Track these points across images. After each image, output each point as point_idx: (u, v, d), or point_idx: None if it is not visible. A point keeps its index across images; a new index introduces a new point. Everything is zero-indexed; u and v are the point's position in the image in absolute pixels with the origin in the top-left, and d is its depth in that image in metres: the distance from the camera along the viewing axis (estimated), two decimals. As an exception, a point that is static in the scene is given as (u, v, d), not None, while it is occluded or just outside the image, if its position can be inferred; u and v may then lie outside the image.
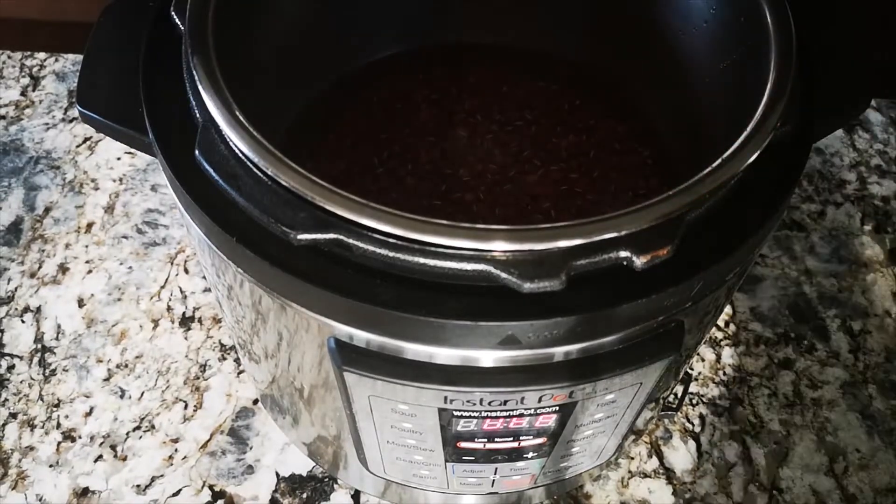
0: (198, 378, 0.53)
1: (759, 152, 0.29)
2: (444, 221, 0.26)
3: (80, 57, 0.65)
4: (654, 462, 0.51)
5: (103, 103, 0.33)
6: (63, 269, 0.58)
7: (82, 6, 0.64)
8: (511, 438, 0.35)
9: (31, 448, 0.50)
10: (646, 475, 0.50)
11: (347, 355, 0.30)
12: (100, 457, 0.50)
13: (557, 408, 0.33)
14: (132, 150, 0.60)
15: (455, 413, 0.32)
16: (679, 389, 0.53)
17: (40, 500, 0.48)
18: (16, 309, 0.56)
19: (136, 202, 0.61)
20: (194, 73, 0.30)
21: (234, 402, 0.52)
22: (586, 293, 0.27)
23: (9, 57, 0.69)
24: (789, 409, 0.53)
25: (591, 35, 0.47)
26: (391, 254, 0.26)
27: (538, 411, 0.33)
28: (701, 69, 0.39)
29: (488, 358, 0.29)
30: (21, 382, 0.53)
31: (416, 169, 0.43)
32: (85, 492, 0.49)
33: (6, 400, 0.52)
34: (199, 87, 0.29)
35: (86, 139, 0.64)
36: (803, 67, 0.32)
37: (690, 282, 0.28)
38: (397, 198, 0.42)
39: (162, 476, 0.49)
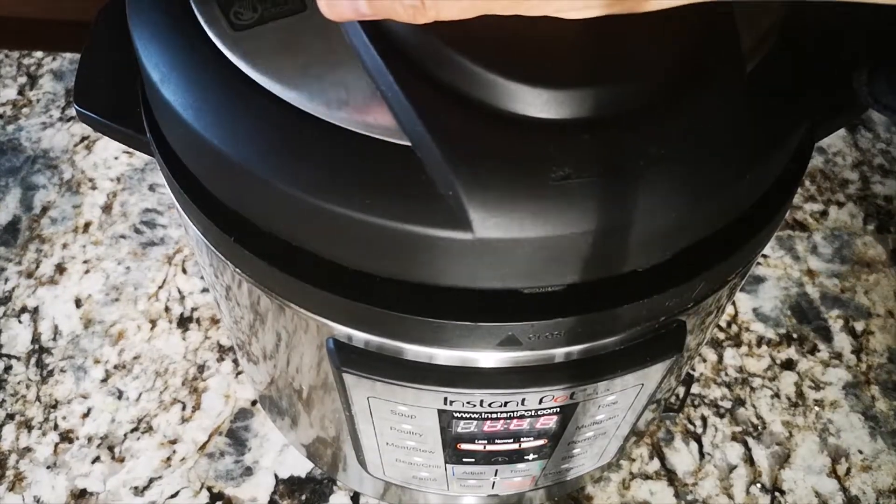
0: (196, 379, 0.53)
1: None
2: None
3: (77, 56, 0.65)
4: (656, 463, 0.50)
5: (101, 102, 0.32)
6: (60, 269, 0.57)
7: (80, 5, 0.64)
8: (511, 440, 0.35)
9: (29, 449, 0.50)
10: (647, 477, 0.50)
11: (346, 356, 0.30)
12: (97, 458, 0.50)
13: (558, 409, 0.32)
14: (130, 150, 0.60)
15: (455, 414, 0.32)
16: (681, 390, 0.53)
17: (38, 501, 0.48)
18: (13, 309, 0.55)
19: (134, 202, 0.61)
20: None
21: (233, 403, 0.52)
22: (587, 293, 0.27)
23: (6, 56, 0.69)
24: (791, 411, 0.53)
25: None
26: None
27: (539, 413, 0.32)
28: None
29: (488, 359, 0.29)
30: (18, 383, 0.52)
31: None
32: (82, 493, 0.48)
33: (3, 401, 0.52)
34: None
35: (83, 138, 0.64)
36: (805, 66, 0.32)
37: (692, 282, 0.28)
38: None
39: (160, 478, 0.49)
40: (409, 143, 0.24)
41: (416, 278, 0.26)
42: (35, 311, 0.55)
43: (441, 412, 0.32)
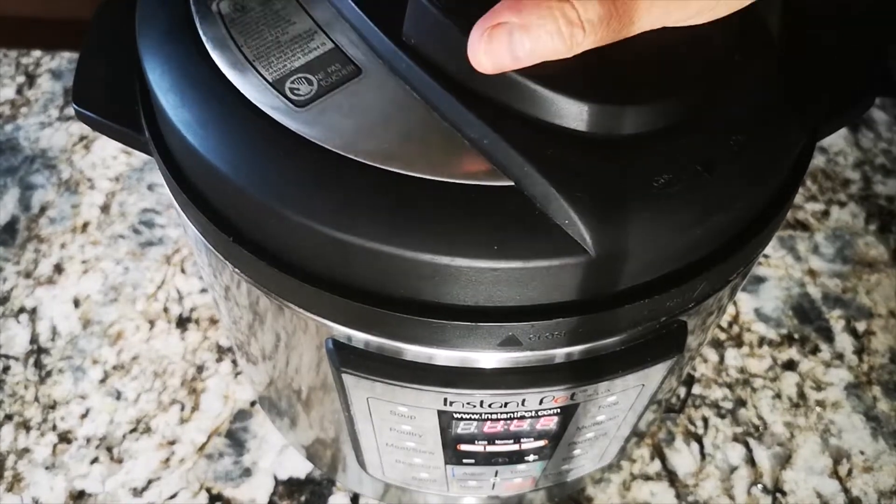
0: (194, 379, 0.53)
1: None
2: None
3: (76, 55, 0.65)
4: (657, 464, 0.50)
5: (99, 101, 0.32)
6: (59, 269, 0.57)
7: (78, 3, 0.64)
8: (511, 441, 0.35)
9: (27, 450, 0.50)
10: (648, 478, 0.50)
11: (346, 357, 0.30)
12: (96, 459, 0.49)
13: (558, 410, 0.32)
14: (128, 149, 0.59)
15: (455, 415, 0.32)
16: (682, 391, 0.53)
17: (36, 502, 0.48)
18: (11, 309, 0.55)
19: (133, 201, 0.60)
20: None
21: (232, 403, 0.52)
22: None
23: (4, 55, 0.69)
24: (793, 411, 0.53)
25: None
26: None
27: (539, 413, 0.32)
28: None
29: (488, 359, 0.29)
30: (17, 384, 0.52)
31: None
32: (81, 494, 0.48)
33: (2, 401, 0.51)
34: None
35: (82, 138, 0.64)
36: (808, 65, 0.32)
37: (693, 282, 0.28)
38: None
39: (159, 479, 0.49)
40: (507, 183, 0.25)
41: (535, 302, 0.26)
42: (33, 311, 0.55)
43: (441, 413, 0.32)
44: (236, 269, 0.30)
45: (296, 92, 0.27)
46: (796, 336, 0.56)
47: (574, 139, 0.25)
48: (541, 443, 0.36)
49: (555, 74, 0.24)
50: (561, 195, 0.24)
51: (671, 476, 0.50)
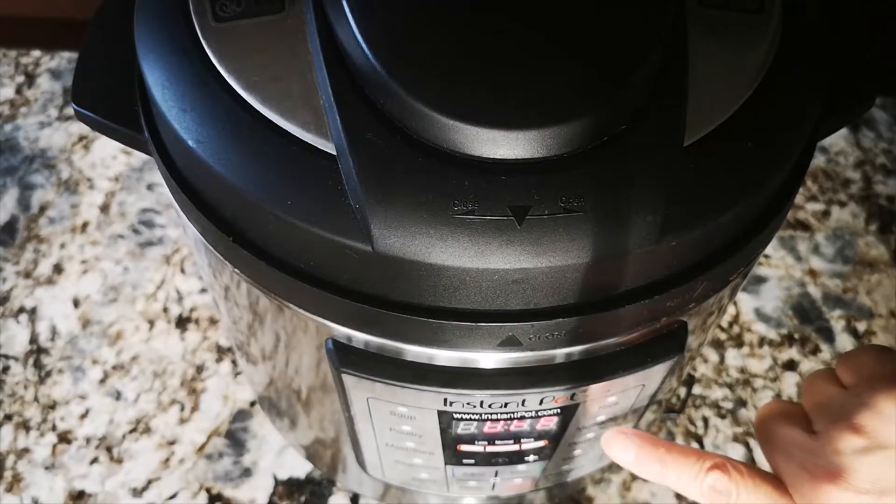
0: (194, 380, 0.52)
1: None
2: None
3: (75, 54, 0.65)
4: (657, 464, 0.50)
5: (99, 101, 0.32)
6: (58, 269, 0.57)
7: (78, 3, 0.63)
8: (512, 441, 0.35)
9: (27, 450, 0.50)
10: (648, 478, 0.50)
11: (345, 357, 0.30)
12: (95, 459, 0.49)
13: (559, 410, 0.32)
14: (128, 149, 0.59)
15: (455, 415, 0.32)
16: (682, 391, 0.53)
17: (36, 502, 0.48)
18: (11, 310, 0.55)
19: (132, 201, 0.60)
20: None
21: (231, 404, 0.52)
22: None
23: (4, 55, 0.68)
24: (793, 411, 0.53)
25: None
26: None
27: (539, 414, 0.32)
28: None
29: (489, 359, 0.29)
30: (16, 384, 0.52)
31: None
32: (80, 495, 0.48)
33: (1, 402, 0.51)
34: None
35: (81, 138, 0.63)
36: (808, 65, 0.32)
37: (693, 282, 0.28)
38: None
39: (158, 479, 0.49)
40: (334, 152, 0.25)
41: (322, 276, 0.27)
42: (33, 311, 0.55)
43: (441, 413, 0.32)
44: (236, 269, 0.30)
45: (224, 8, 0.28)
46: (797, 336, 0.56)
47: (407, 139, 0.25)
48: (541, 443, 0.35)
49: (421, 73, 0.25)
50: (358, 177, 0.24)
51: (671, 476, 0.50)
